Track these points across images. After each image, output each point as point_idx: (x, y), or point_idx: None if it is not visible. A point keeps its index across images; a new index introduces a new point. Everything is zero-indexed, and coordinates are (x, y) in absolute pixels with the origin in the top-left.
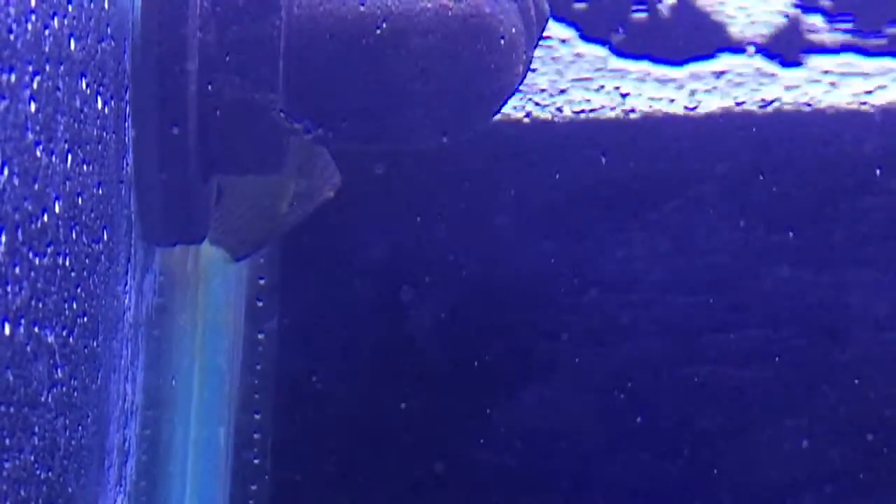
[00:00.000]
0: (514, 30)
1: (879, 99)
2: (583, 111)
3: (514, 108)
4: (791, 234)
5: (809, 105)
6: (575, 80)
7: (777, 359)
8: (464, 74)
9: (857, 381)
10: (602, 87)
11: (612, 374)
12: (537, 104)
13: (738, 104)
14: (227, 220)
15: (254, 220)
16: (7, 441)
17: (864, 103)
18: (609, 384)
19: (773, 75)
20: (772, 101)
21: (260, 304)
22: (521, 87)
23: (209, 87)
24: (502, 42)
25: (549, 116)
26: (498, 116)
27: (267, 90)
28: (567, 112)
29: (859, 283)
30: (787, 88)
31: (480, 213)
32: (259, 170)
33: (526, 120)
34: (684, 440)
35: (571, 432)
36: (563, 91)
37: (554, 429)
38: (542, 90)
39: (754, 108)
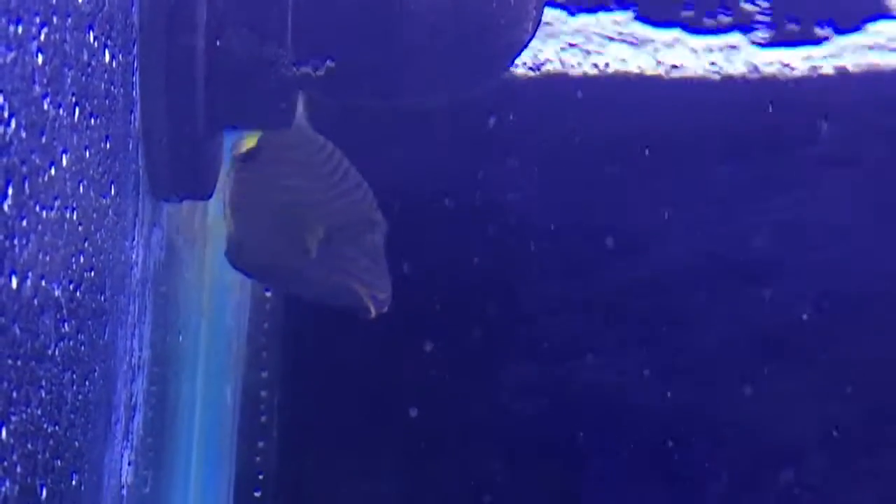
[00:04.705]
0: None
1: None
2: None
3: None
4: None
5: None
6: None
7: (778, 317)
8: (473, 31)
9: (860, 340)
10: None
11: (616, 333)
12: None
13: None
14: (252, 229)
15: (277, 248)
16: (14, 394)
17: None
18: (613, 343)
19: None
20: None
21: None
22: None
23: (217, 42)
24: None
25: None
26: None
27: (276, 45)
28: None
29: (867, 242)
30: None
31: (491, 172)
32: (267, 125)
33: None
34: (688, 402)
35: (572, 402)
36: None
37: (559, 396)
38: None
39: None
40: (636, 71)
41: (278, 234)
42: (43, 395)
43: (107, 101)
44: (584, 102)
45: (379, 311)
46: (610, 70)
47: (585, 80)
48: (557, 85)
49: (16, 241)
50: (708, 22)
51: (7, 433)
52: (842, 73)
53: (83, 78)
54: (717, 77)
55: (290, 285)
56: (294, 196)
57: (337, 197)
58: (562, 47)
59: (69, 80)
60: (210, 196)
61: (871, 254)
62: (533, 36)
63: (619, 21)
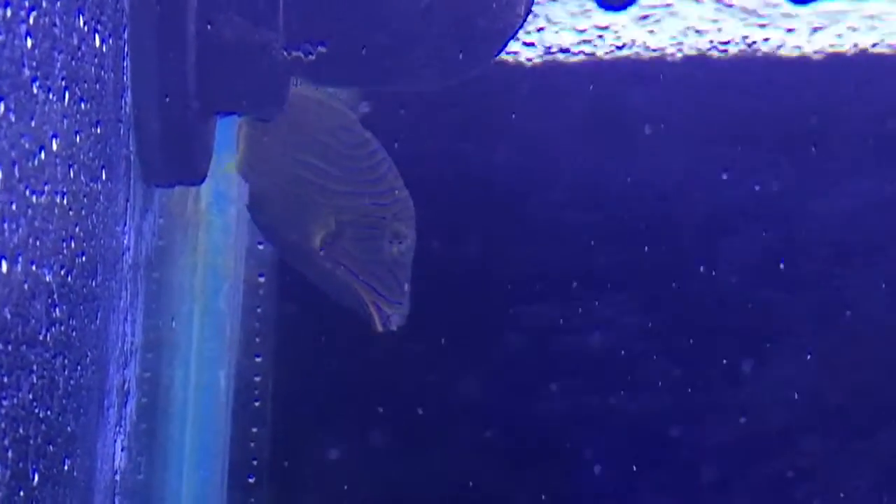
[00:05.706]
0: None
1: None
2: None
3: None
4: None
5: None
6: None
7: (775, 297)
8: (466, 14)
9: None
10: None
11: (605, 307)
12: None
13: None
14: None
15: (285, 218)
16: (5, 379)
17: None
18: (602, 317)
19: None
20: None
21: (260, 246)
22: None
23: (209, 27)
24: None
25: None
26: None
27: (267, 29)
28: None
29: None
30: None
31: (481, 156)
32: (259, 110)
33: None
34: (684, 382)
35: (567, 372)
36: None
37: (552, 371)
38: None
39: None
40: None
41: (286, 204)
42: (34, 379)
43: (97, 86)
44: None
45: (385, 328)
46: None
47: None
48: None
49: (6, 226)
50: None
51: None
52: None
53: (73, 62)
54: None
55: (300, 263)
56: (310, 174)
57: (357, 194)
58: None
59: (59, 64)
60: (202, 181)
61: None
62: (525, 20)
63: None
